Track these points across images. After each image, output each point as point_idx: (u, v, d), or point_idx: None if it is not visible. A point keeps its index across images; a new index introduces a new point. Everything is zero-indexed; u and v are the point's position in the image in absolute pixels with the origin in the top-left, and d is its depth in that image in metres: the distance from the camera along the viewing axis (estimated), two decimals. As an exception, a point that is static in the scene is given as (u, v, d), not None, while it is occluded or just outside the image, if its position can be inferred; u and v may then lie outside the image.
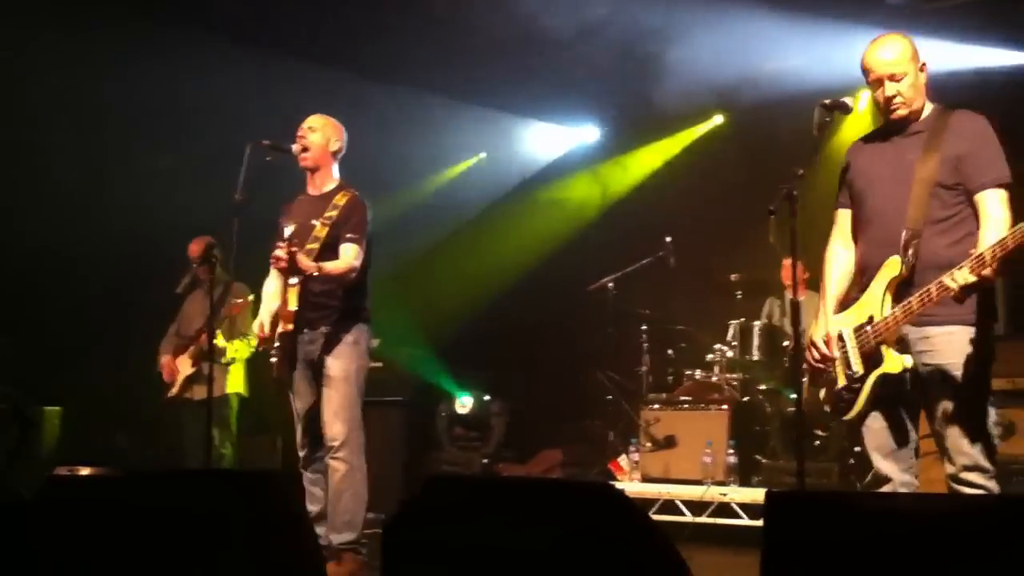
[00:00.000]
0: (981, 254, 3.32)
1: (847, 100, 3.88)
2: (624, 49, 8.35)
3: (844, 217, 3.99)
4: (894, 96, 3.73)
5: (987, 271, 3.32)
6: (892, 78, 3.73)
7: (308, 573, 2.63)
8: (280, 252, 4.79)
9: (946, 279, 3.40)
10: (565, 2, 7.81)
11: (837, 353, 3.83)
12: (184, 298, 7.24)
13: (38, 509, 2.85)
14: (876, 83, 3.78)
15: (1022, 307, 6.72)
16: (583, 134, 10.58)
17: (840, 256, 3.98)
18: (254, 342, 7.00)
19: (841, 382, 3.83)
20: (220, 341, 6.81)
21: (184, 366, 7.10)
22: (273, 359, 5.08)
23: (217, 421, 6.53)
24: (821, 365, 3.88)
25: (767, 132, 8.31)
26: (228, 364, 7.04)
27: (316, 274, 4.87)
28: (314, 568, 2.69)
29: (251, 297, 6.82)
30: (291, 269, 4.80)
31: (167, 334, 7.33)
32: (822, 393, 3.93)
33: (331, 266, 4.93)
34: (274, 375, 5.11)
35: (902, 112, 3.75)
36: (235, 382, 7.17)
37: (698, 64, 8.53)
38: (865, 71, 3.81)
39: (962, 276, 3.35)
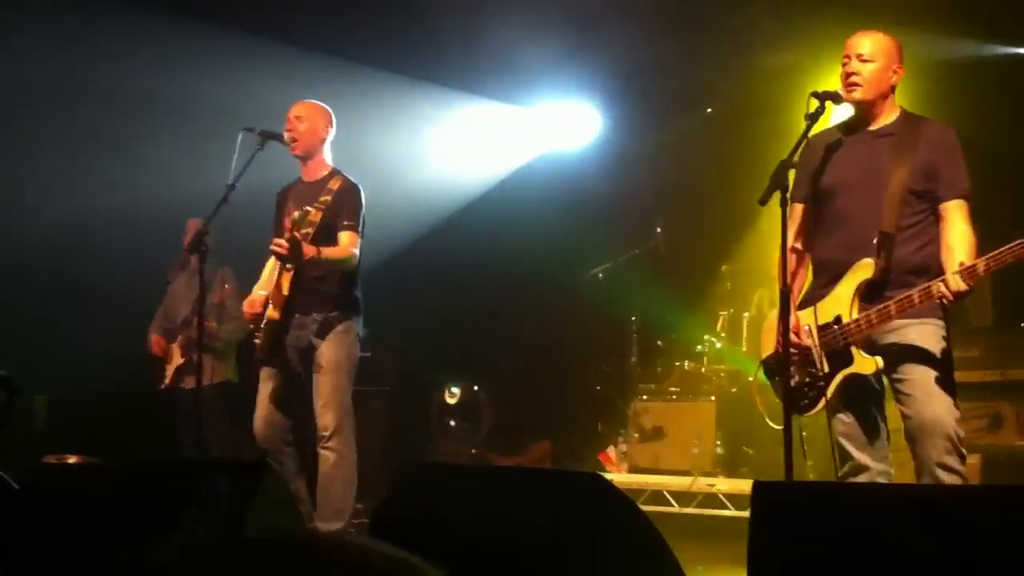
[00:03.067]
0: (974, 265, 3.43)
1: (839, 90, 3.90)
2: (617, 39, 8.33)
3: (798, 211, 4.02)
4: (853, 74, 3.78)
5: (976, 280, 3.44)
6: (859, 57, 3.82)
7: (299, 560, 2.63)
8: (281, 239, 4.76)
9: (938, 285, 3.47)
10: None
11: (808, 342, 3.86)
12: (170, 283, 7.22)
13: (26, 497, 2.85)
14: (845, 59, 3.86)
15: (1008, 300, 6.76)
16: (574, 123, 10.56)
17: (793, 251, 4.01)
18: (247, 326, 7.00)
19: (801, 378, 3.86)
20: (212, 325, 6.79)
21: (174, 356, 7.08)
22: (256, 340, 5.07)
23: (207, 410, 6.51)
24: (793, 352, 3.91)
25: (758, 122, 8.31)
26: (223, 348, 7.01)
27: (319, 259, 4.84)
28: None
29: (234, 282, 6.81)
30: (293, 256, 4.78)
31: (154, 318, 7.31)
32: (776, 388, 3.98)
33: (330, 252, 4.91)
34: (256, 356, 5.10)
35: (855, 94, 3.81)
36: (227, 370, 7.15)
37: (689, 52, 8.54)
38: (843, 51, 3.88)
39: (955, 284, 3.44)
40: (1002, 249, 3.39)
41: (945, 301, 3.50)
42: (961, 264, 3.46)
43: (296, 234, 4.73)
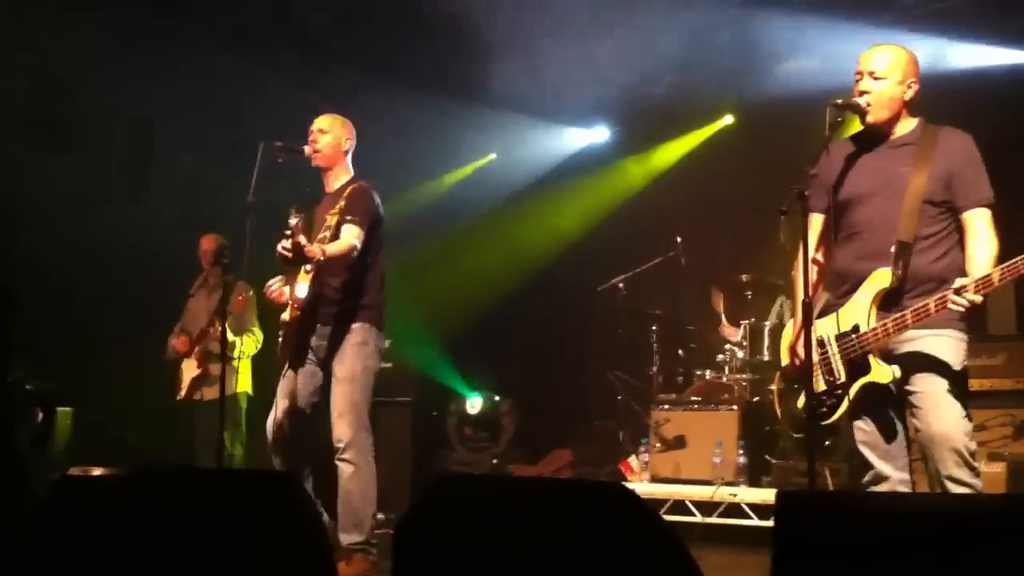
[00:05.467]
0: (988, 276, 3.42)
1: (859, 100, 3.89)
2: (635, 49, 8.34)
3: (819, 222, 4.01)
4: (866, 93, 3.77)
5: (990, 291, 3.43)
6: (872, 75, 3.80)
7: (320, 573, 2.64)
8: (285, 245, 4.77)
9: (953, 296, 3.45)
10: (574, 2, 7.81)
11: (817, 358, 3.85)
12: (190, 296, 7.28)
13: (51, 509, 2.87)
14: (857, 76, 3.85)
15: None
16: (594, 134, 10.58)
17: (814, 262, 4.00)
18: (260, 336, 7.04)
19: (820, 387, 3.85)
20: (229, 336, 6.82)
21: (190, 367, 7.12)
22: (280, 338, 5.12)
23: (227, 421, 6.55)
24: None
25: (778, 132, 8.30)
26: (238, 358, 7.05)
27: (322, 258, 4.85)
28: (326, 568, 2.70)
29: (251, 293, 6.85)
30: (297, 259, 4.80)
31: (173, 332, 7.36)
32: (800, 399, 3.97)
33: (333, 248, 4.90)
34: (278, 355, 5.13)
35: (868, 117, 3.81)
36: (243, 381, 7.19)
37: (709, 64, 8.53)
38: (856, 66, 3.88)
39: (969, 297, 3.43)
40: (1017, 259, 3.37)
41: (959, 311, 3.48)
42: (976, 279, 3.45)
43: (298, 238, 4.73)
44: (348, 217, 5.02)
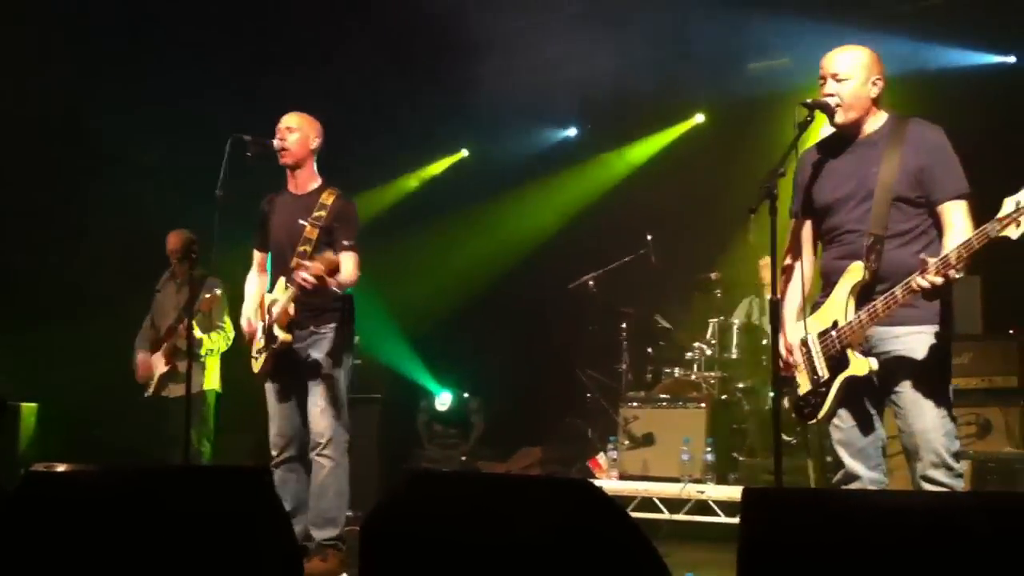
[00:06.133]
0: (947, 256, 3.41)
1: (828, 100, 3.90)
2: (607, 47, 8.36)
3: (800, 226, 4.03)
4: (832, 95, 3.78)
5: (952, 272, 3.41)
6: (835, 77, 3.80)
7: (285, 569, 2.62)
8: (308, 275, 4.74)
9: (914, 279, 3.45)
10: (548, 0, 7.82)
11: (801, 359, 3.87)
12: (158, 291, 7.21)
13: (15, 505, 2.84)
14: (821, 80, 3.85)
15: (997, 308, 6.80)
16: (566, 132, 10.59)
17: (796, 265, 4.03)
18: (231, 333, 6.99)
19: (805, 388, 3.87)
20: (197, 332, 6.77)
21: (158, 364, 7.07)
22: (255, 358, 5.09)
23: (194, 418, 6.50)
24: (787, 373, 3.93)
25: (749, 130, 8.34)
26: (207, 355, 7.00)
27: (338, 290, 4.89)
28: (292, 564, 2.69)
29: (219, 291, 6.80)
30: (315, 289, 4.80)
31: (141, 328, 7.30)
32: (786, 401, 3.99)
33: (343, 279, 4.92)
34: (257, 371, 5.10)
35: (837, 118, 3.81)
36: (211, 379, 7.14)
37: (681, 62, 8.56)
38: (820, 70, 3.88)
39: (929, 278, 3.42)
40: (969, 237, 3.37)
41: (922, 293, 3.47)
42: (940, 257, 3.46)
43: (319, 271, 4.71)
44: (345, 243, 5.01)
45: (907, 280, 3.51)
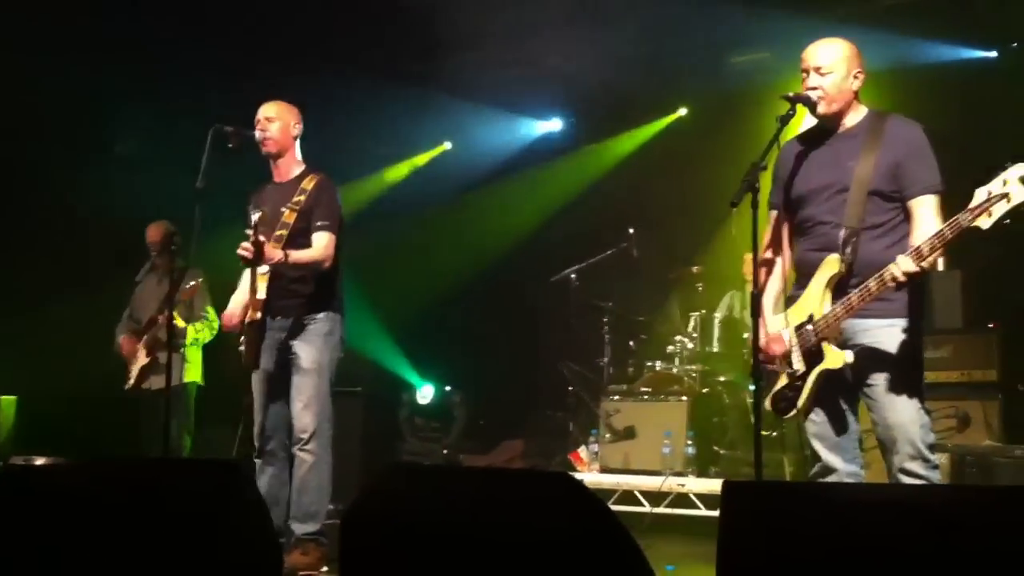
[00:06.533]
0: (919, 247, 3.44)
1: (811, 93, 3.91)
2: (590, 40, 8.35)
3: (781, 218, 4.05)
4: (815, 88, 3.80)
5: (925, 262, 3.44)
6: (818, 70, 3.83)
7: (265, 561, 2.62)
8: (246, 245, 4.73)
9: (888, 270, 3.48)
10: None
11: (781, 351, 3.89)
12: (138, 283, 7.17)
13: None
14: (804, 73, 3.87)
15: (975, 303, 6.84)
16: (548, 125, 10.59)
17: (777, 259, 4.05)
18: (216, 323, 6.95)
19: (783, 382, 3.89)
20: (180, 323, 6.73)
21: (139, 356, 7.03)
22: (242, 348, 5.06)
23: (175, 411, 6.47)
24: (772, 366, 3.95)
25: (731, 124, 8.36)
26: (191, 345, 6.97)
27: (287, 261, 4.82)
28: (271, 556, 2.68)
29: (201, 280, 6.76)
30: (256, 259, 4.75)
31: (121, 319, 7.26)
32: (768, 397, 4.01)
33: (299, 255, 4.87)
34: (243, 363, 5.06)
35: (821, 108, 3.83)
36: (193, 371, 7.10)
37: (663, 56, 8.56)
38: (801, 64, 3.90)
39: (904, 264, 3.45)
40: (942, 227, 3.40)
41: (896, 283, 3.49)
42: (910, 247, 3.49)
43: (259, 236, 4.70)
44: (320, 223, 4.97)
45: (880, 272, 3.54)
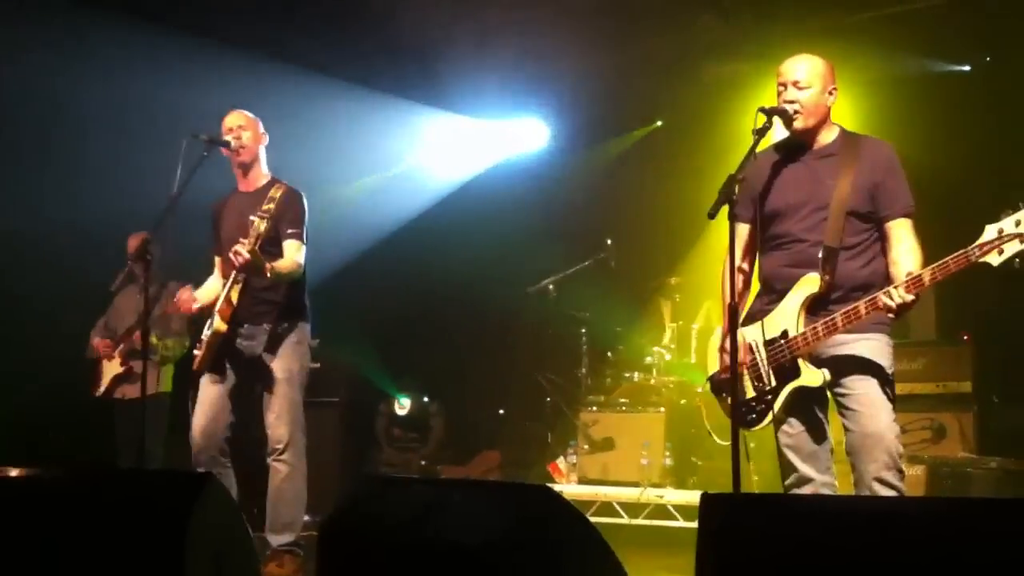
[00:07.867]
0: (919, 276, 3.47)
1: (788, 106, 3.93)
2: (566, 51, 8.36)
3: (744, 231, 4.06)
4: (792, 102, 3.83)
5: (921, 292, 3.49)
6: (796, 84, 3.86)
7: (242, 572, 2.60)
8: (242, 248, 4.70)
9: (883, 297, 3.51)
10: (508, 2, 7.80)
11: (747, 362, 3.91)
12: (115, 293, 7.11)
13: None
14: (781, 87, 3.90)
15: (951, 315, 6.88)
16: (525, 135, 10.57)
17: (739, 271, 4.05)
18: (187, 342, 6.91)
19: (749, 393, 3.89)
20: (153, 339, 6.69)
21: (112, 364, 6.98)
22: (196, 352, 5.02)
23: (153, 421, 6.43)
24: (725, 375, 3.95)
25: (707, 136, 8.38)
26: (162, 361, 6.93)
27: (268, 276, 4.82)
28: (249, 568, 2.67)
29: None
30: (251, 269, 4.75)
31: (95, 326, 7.20)
32: (724, 404, 4.02)
33: (281, 265, 4.88)
34: (195, 367, 5.02)
35: (798, 123, 3.86)
36: (166, 381, 7.07)
37: (640, 67, 8.58)
38: (777, 77, 3.91)
39: (899, 295, 3.48)
40: (946, 259, 3.44)
41: (890, 312, 3.54)
42: (908, 274, 3.51)
43: (252, 243, 4.69)
44: (290, 231, 4.98)
45: (872, 296, 3.57)
